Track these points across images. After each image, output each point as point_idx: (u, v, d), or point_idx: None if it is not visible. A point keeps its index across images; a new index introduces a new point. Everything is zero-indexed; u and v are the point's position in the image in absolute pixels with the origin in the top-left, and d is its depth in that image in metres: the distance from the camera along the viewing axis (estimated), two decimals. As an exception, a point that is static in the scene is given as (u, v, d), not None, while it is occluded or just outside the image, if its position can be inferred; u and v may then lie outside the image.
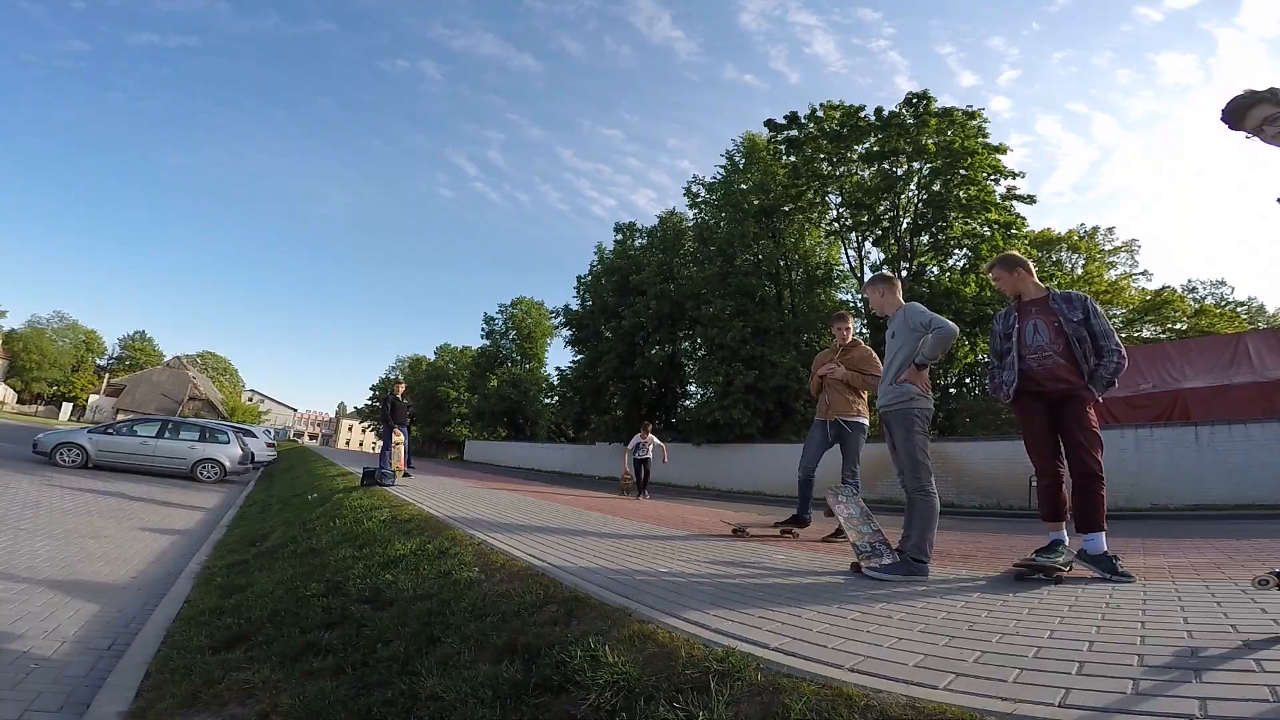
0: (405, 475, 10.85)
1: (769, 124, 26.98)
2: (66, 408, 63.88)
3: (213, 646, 3.42)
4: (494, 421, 46.96)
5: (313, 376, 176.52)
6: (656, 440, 13.08)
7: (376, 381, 68.26)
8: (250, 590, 4.53)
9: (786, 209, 26.91)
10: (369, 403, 67.82)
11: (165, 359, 74.98)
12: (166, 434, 15.44)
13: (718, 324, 25.10)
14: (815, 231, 28.75)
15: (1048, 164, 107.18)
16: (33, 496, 9.45)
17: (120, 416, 35.71)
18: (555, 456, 35.51)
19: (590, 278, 35.95)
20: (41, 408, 66.78)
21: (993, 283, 3.70)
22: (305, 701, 2.45)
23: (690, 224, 32.35)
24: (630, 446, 12.93)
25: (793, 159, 26.70)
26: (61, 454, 14.29)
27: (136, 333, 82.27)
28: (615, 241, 35.78)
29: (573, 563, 3.59)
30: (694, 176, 32.23)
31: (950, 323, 3.53)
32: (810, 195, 26.34)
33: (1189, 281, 37.13)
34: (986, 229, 22.83)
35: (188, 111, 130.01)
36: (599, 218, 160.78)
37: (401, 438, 10.94)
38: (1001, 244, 21.70)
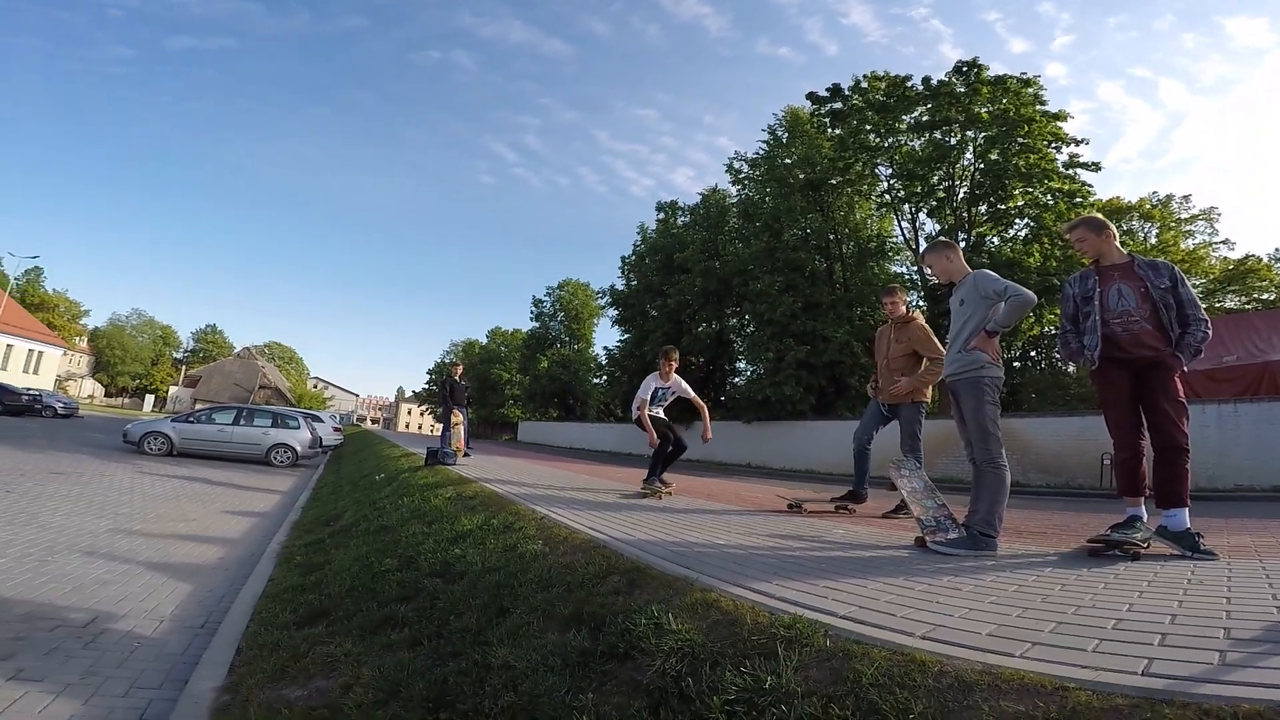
0: (465, 455, 11.13)
1: (811, 97, 26.32)
2: (149, 399, 67.94)
3: (296, 622, 3.57)
4: (545, 402, 47.74)
5: (372, 363, 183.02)
6: (686, 385, 6.86)
7: (432, 365, 70.17)
8: (328, 568, 4.73)
9: (834, 182, 26.26)
10: (426, 386, 69.80)
11: (235, 350, 78.95)
12: (242, 421, 16.29)
13: (766, 299, 24.76)
14: (865, 204, 27.99)
15: (1113, 130, 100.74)
16: (127, 483, 10.12)
17: (198, 406, 37.86)
18: (605, 436, 35.87)
19: (634, 257, 35.95)
20: (127, 400, 71.20)
21: (1073, 244, 3.54)
22: (385, 673, 2.54)
23: (734, 200, 31.90)
24: (647, 395, 6.58)
25: (838, 131, 26.03)
26: (149, 442, 15.26)
27: (208, 326, 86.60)
28: (657, 220, 35.69)
29: (632, 535, 3.65)
30: (735, 153, 31.85)
31: (1027, 290, 3.39)
32: (859, 168, 25.63)
33: (1277, 249, 34.48)
34: (1049, 198, 21.90)
35: (234, 112, 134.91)
36: (638, 198, 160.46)
37: (460, 418, 11.17)
38: (1066, 213, 20.83)
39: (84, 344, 70.87)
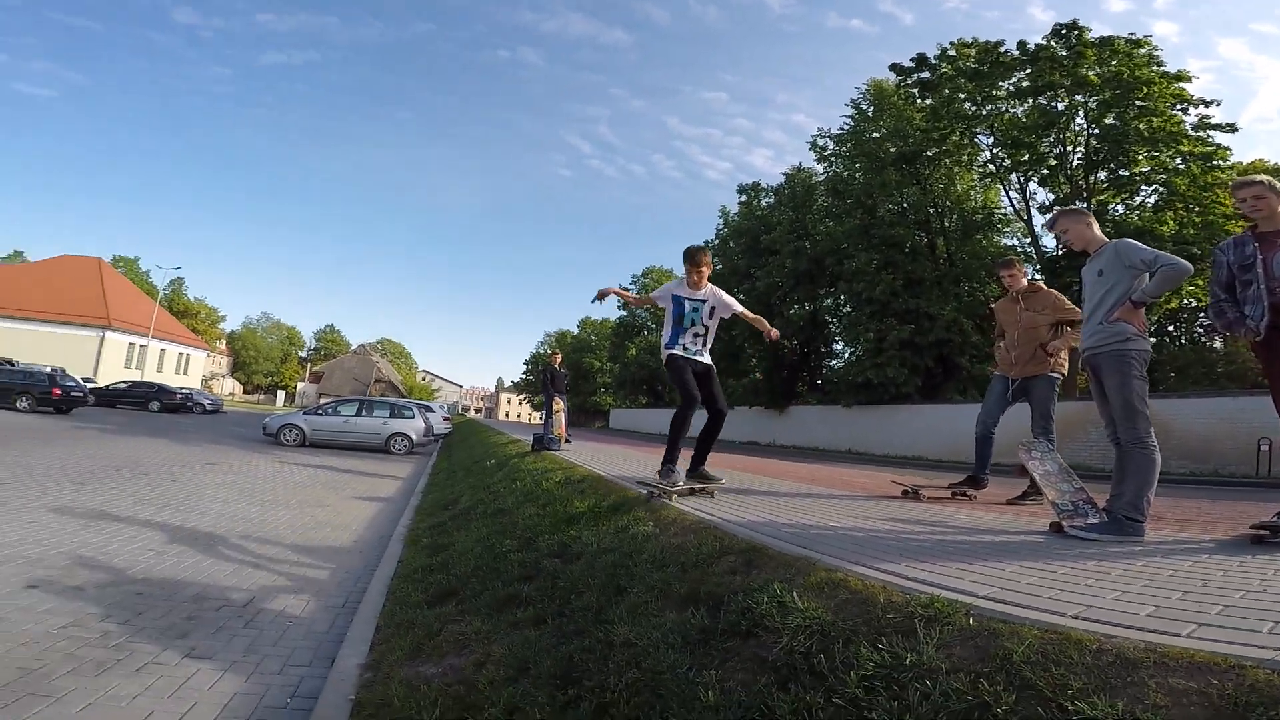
0: (566, 441, 11.45)
1: (895, 68, 25.16)
2: (280, 395, 74.52)
3: (428, 601, 3.77)
4: (635, 390, 48.45)
5: (473, 355, 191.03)
6: (730, 299, 4.60)
7: (528, 356, 72.63)
8: (453, 549, 5.00)
9: (930, 154, 24.92)
10: (523, 376, 72.43)
11: (352, 347, 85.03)
12: (363, 413, 17.57)
13: (864, 278, 23.87)
14: (967, 175, 26.37)
15: (1243, 90, 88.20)
16: (269, 472, 11.14)
17: (323, 400, 41.15)
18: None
19: (717, 241, 35.61)
20: (261, 396, 78.52)
21: (1244, 201, 3.21)
22: (514, 651, 2.65)
23: (821, 178, 30.85)
24: (665, 299, 4.49)
25: (929, 101, 24.69)
26: (285, 434, 16.73)
27: (327, 326, 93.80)
28: (740, 203, 35.16)
29: (743, 517, 3.65)
30: (818, 129, 30.78)
31: (1181, 260, 3.10)
32: (956, 137, 24.21)
33: None
34: (1179, 162, 19.99)
35: (327, 121, 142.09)
36: (715, 182, 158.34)
37: (562, 405, 11.50)
38: (1200, 176, 19.16)
39: (223, 346, 78.52)
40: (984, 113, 23.60)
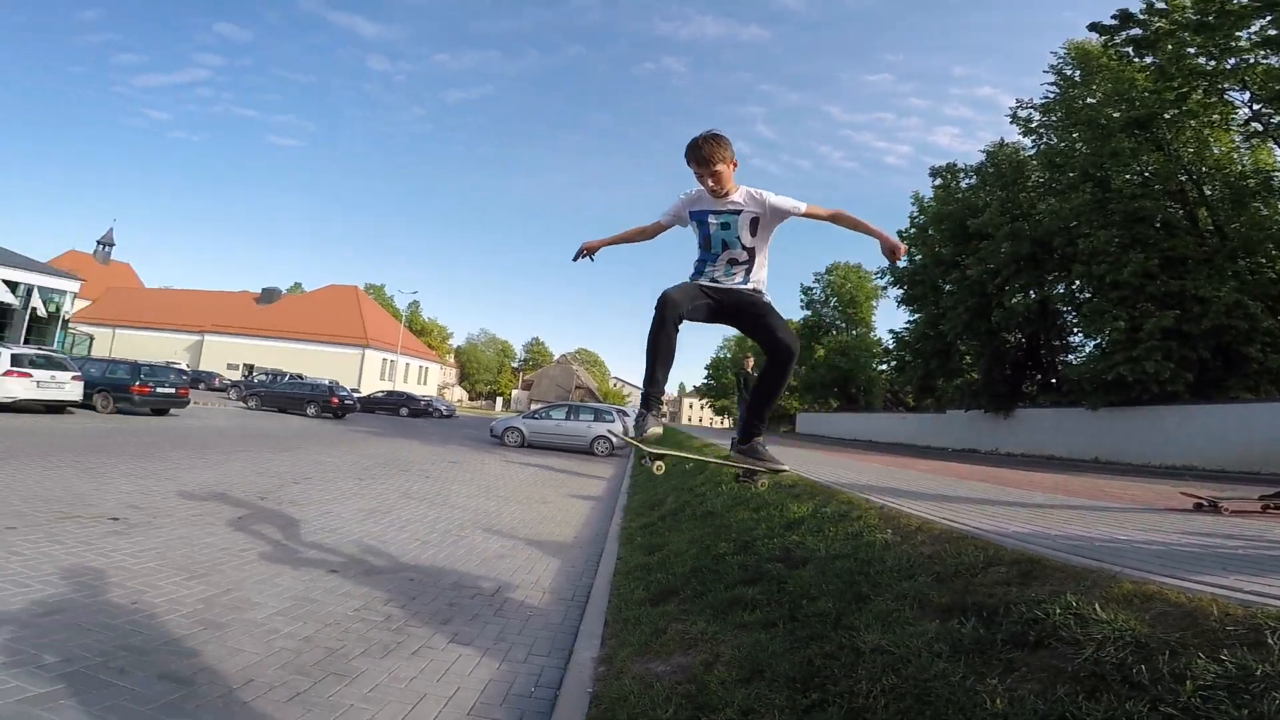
0: (762, 447, 11.26)
1: (1095, 27, 21.41)
2: (499, 401, 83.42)
3: (650, 599, 3.90)
4: (824, 392, 46.43)
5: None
6: (781, 200, 2.77)
7: (708, 361, 73.06)
8: (667, 549, 5.15)
9: (1168, 116, 20.77)
10: (704, 381, 73.08)
11: (555, 357, 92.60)
12: (571, 417, 18.99)
13: (1105, 259, 20.48)
14: (1224, 136, 21.57)
15: None
16: (498, 470, 12.43)
17: (533, 405, 45.21)
18: (896, 427, 33.27)
19: (913, 230, 32.80)
20: (483, 402, 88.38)
21: None
22: (745, 653, 2.67)
23: (1030, 152, 27.13)
24: (669, 215, 2.95)
25: (1150, 60, 20.65)
26: (508, 436, 18.60)
27: (533, 339, 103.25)
28: (934, 187, 31.97)
29: (1003, 527, 3.34)
30: (1017, 100, 26.94)
31: None
32: (1198, 96, 19.91)
33: None
34: None
35: (511, 149, 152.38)
36: (896, 167, 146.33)
37: (754, 409, 11.37)
38: None
39: (451, 360, 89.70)
40: (1228, 66, 19.24)
